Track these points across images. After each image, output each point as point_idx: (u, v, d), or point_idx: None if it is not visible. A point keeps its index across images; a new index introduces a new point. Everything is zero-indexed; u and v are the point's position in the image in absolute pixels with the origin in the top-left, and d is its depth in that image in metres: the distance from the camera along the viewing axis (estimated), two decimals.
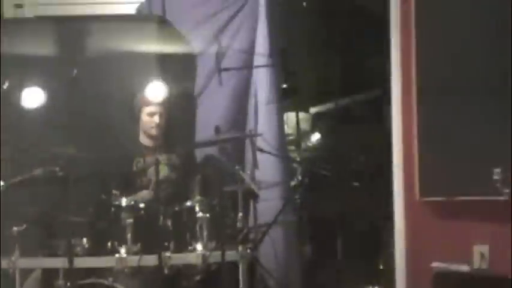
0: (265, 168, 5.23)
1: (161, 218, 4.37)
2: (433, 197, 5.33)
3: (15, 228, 4.37)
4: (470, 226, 5.27)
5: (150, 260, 4.25)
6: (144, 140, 5.09)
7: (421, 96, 5.31)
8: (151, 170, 4.86)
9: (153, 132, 5.01)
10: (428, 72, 5.29)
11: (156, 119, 4.99)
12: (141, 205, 4.46)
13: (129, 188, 4.86)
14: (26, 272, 4.54)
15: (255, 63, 5.43)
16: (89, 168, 4.36)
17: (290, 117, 5.96)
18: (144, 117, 5.02)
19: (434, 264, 5.07)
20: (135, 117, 5.05)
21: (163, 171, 5.01)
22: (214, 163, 5.03)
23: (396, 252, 5.50)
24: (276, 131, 5.44)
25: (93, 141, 5.06)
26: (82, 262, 4.29)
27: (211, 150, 5.14)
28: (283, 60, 5.55)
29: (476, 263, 5.20)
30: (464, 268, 4.96)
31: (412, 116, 5.37)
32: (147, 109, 4.99)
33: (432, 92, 5.27)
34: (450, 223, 5.33)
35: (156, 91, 4.78)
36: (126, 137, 5.17)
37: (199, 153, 5.29)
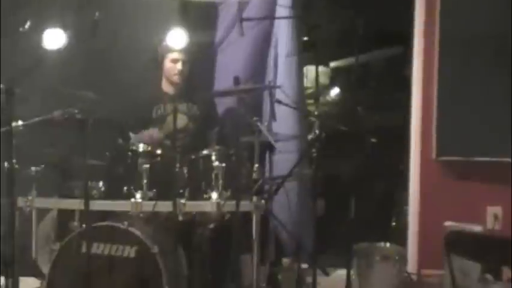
0: (283, 121, 5.24)
1: (177, 165, 4.38)
2: (449, 157, 5.33)
3: (33, 168, 4.42)
4: (484, 187, 5.28)
5: (165, 206, 4.27)
6: (166, 87, 5.11)
7: (442, 54, 5.27)
8: (170, 118, 4.87)
9: (176, 79, 5.03)
10: (451, 30, 5.25)
11: (179, 65, 5.00)
12: (158, 151, 4.48)
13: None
14: (42, 212, 4.60)
15: (277, 14, 5.39)
16: (108, 113, 4.36)
17: (310, 70, 5.93)
18: (168, 64, 5.03)
19: (447, 224, 5.08)
20: (158, 64, 5.05)
21: (183, 120, 5.03)
22: (233, 116, 5.04)
23: (410, 210, 5.52)
24: (295, 84, 5.44)
25: (114, 86, 5.06)
26: (98, 205, 4.32)
27: (230, 101, 5.15)
28: (305, 13, 5.52)
29: (490, 224, 5.22)
30: (477, 228, 4.97)
31: (432, 74, 5.35)
32: (171, 55, 5.00)
33: (454, 51, 5.24)
34: (465, 183, 5.33)
35: (179, 38, 4.76)
36: (148, 83, 5.18)
37: (221, 107, 5.30)
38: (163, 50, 4.99)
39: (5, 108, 3.89)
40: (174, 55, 4.99)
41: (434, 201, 5.40)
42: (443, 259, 4.96)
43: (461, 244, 4.85)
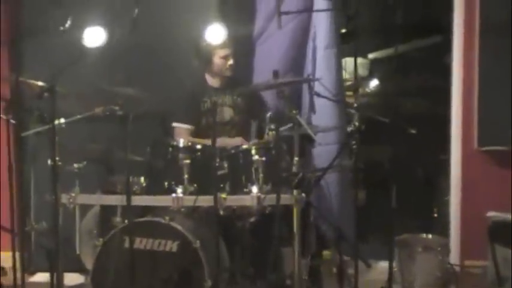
0: (322, 113, 5.24)
1: (217, 159, 4.41)
2: (491, 146, 5.28)
3: (75, 165, 4.48)
4: None
5: (206, 200, 4.29)
6: (211, 81, 5.14)
7: (483, 43, 5.22)
8: (218, 111, 4.95)
9: (228, 73, 5.07)
10: (491, 19, 5.19)
11: (231, 61, 5.04)
12: (198, 146, 4.51)
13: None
14: (85, 208, 4.66)
15: (315, 7, 5.38)
16: (150, 108, 4.40)
17: (348, 62, 5.91)
18: (217, 60, 5.06)
19: (490, 214, 5.04)
20: (205, 60, 5.07)
21: (229, 113, 5.08)
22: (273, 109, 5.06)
23: (451, 200, 5.49)
24: (333, 76, 5.42)
25: (155, 82, 5.11)
26: (139, 200, 4.36)
27: (270, 94, 5.17)
28: (343, 4, 5.49)
29: None
30: None
31: (473, 63, 5.31)
32: (221, 52, 5.03)
33: (494, 40, 5.18)
34: (507, 173, 5.28)
35: (218, 33, 4.80)
36: (192, 78, 5.21)
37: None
38: (211, 47, 5.00)
39: (48, 106, 3.95)
40: (225, 51, 5.03)
41: (477, 191, 5.36)
42: (487, 249, 4.95)
43: (505, 234, 4.82)
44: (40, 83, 4.12)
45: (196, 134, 5.02)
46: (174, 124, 5.04)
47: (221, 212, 4.34)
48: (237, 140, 4.94)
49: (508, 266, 4.76)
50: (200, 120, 5.08)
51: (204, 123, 5.08)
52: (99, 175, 4.79)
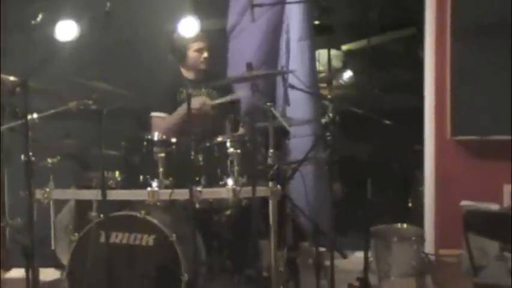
0: (297, 105, 5.24)
1: (192, 153, 4.40)
2: (464, 136, 5.32)
3: (49, 160, 4.45)
4: (500, 166, 5.27)
5: (182, 194, 4.28)
6: (186, 74, 5.12)
7: (455, 35, 5.26)
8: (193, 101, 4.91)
9: (203, 66, 5.06)
10: (463, 10, 5.23)
11: (206, 54, 5.02)
12: (173, 140, 4.50)
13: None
14: (60, 203, 4.63)
15: None
16: (125, 102, 4.38)
17: (322, 54, 5.93)
18: (191, 53, 5.04)
19: (464, 203, 5.08)
20: (179, 54, 5.05)
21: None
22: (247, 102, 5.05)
23: (426, 190, 5.53)
24: (307, 68, 5.44)
25: (129, 75, 5.09)
26: (115, 195, 4.34)
27: (243, 87, 5.16)
28: None
29: (506, 202, 5.21)
30: (494, 207, 4.95)
31: (445, 54, 5.34)
32: (195, 45, 5.01)
33: (466, 31, 5.22)
34: (481, 162, 5.33)
35: (191, 26, 4.79)
36: (167, 71, 5.20)
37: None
38: (184, 40, 4.98)
39: (20, 101, 3.92)
40: (199, 45, 5.01)
41: (450, 181, 5.41)
42: (461, 239, 4.98)
43: (479, 223, 4.85)
44: (12, 78, 4.08)
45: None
46: (152, 114, 5.01)
47: (197, 205, 4.33)
48: (201, 99, 4.90)
49: (482, 254, 4.80)
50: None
51: None
52: (74, 170, 4.76)
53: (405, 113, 5.92)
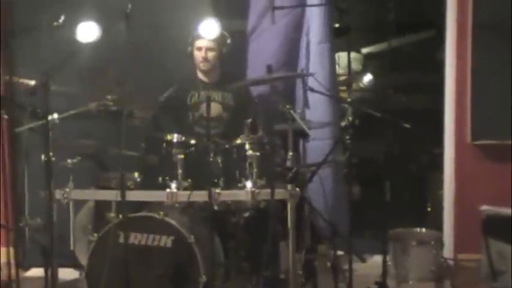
0: (316, 108, 5.25)
1: (211, 155, 4.41)
2: (484, 141, 5.29)
3: (69, 161, 4.47)
4: None
5: (200, 195, 4.29)
6: (201, 75, 5.14)
7: (476, 37, 5.23)
8: (204, 106, 4.90)
9: (202, 66, 5.07)
10: (484, 14, 5.20)
11: (203, 53, 5.03)
12: (192, 141, 4.51)
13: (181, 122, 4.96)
14: (79, 204, 4.65)
15: (308, 1, 5.39)
16: (144, 103, 4.40)
17: (341, 57, 5.92)
18: (195, 52, 5.06)
19: (483, 208, 5.05)
20: (189, 53, 5.09)
21: (217, 109, 5.06)
22: (267, 104, 5.06)
23: (445, 194, 5.50)
24: (327, 71, 5.43)
25: (149, 76, 5.09)
26: (134, 195, 4.35)
27: (263, 89, 5.17)
28: None
29: None
30: None
31: (466, 58, 5.32)
32: (197, 43, 5.04)
33: (487, 34, 5.19)
34: (500, 167, 5.30)
35: (207, 26, 4.81)
36: (182, 72, 5.20)
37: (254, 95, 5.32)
38: (191, 39, 5.03)
39: (41, 102, 3.94)
40: (201, 43, 5.03)
41: (470, 185, 5.38)
42: (481, 243, 4.96)
43: (498, 228, 4.84)
44: (33, 82, 4.11)
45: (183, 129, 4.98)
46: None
47: (216, 207, 4.34)
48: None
49: (501, 259, 4.78)
50: (187, 115, 5.08)
51: (190, 118, 5.08)
52: (93, 171, 4.78)
53: (425, 115, 5.90)
